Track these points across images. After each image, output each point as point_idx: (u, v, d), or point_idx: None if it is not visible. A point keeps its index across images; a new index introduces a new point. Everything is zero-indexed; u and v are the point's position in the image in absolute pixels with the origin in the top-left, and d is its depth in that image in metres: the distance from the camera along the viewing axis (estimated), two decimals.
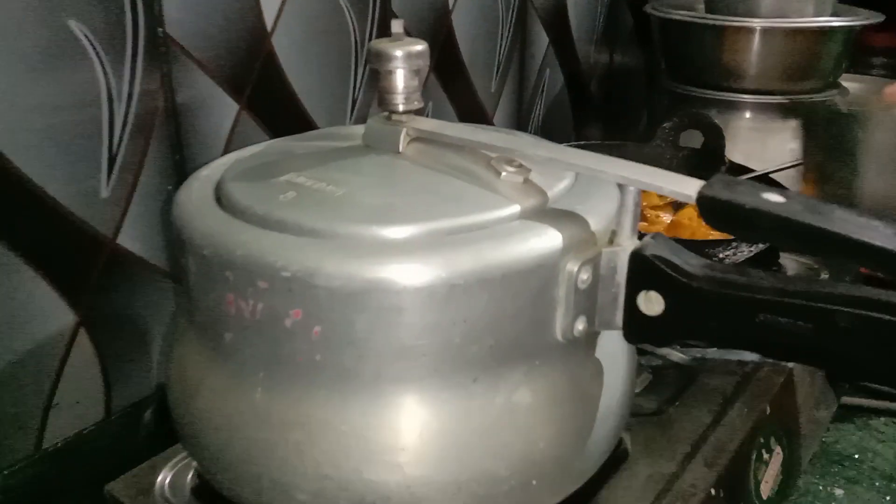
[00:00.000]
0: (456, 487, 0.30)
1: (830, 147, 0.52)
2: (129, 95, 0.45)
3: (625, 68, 0.98)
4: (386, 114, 0.37)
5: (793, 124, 0.79)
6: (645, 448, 0.44)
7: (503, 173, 0.33)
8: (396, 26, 0.35)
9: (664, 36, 0.89)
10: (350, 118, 0.60)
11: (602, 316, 0.32)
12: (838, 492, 0.57)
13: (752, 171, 0.66)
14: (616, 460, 0.43)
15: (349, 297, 0.28)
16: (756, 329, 0.29)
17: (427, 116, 0.67)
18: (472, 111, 0.74)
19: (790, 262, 0.64)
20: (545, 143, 0.35)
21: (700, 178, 0.30)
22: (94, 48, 0.43)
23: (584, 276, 0.31)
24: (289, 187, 0.33)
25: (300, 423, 0.31)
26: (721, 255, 0.55)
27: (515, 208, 0.31)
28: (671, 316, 0.30)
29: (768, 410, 0.49)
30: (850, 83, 0.83)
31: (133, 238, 0.47)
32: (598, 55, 0.93)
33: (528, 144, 0.34)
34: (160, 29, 0.46)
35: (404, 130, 0.36)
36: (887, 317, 0.26)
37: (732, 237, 0.55)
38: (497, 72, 0.76)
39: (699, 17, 0.82)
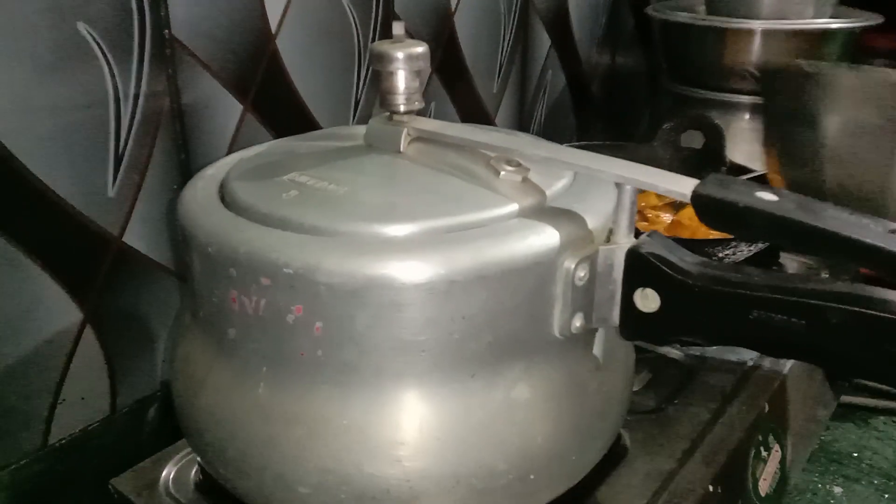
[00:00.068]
0: (454, 481, 0.31)
1: (793, 112, 0.51)
2: (136, 96, 0.46)
3: (626, 69, 0.99)
4: (387, 114, 0.37)
5: None
6: (644, 445, 0.45)
7: (502, 173, 0.34)
8: (398, 28, 0.36)
9: (665, 37, 0.89)
10: (353, 119, 0.61)
11: (599, 313, 0.32)
12: (837, 490, 0.57)
13: (753, 171, 0.67)
14: (615, 457, 0.43)
15: (350, 294, 0.29)
16: (750, 326, 0.29)
17: (429, 117, 0.68)
18: (474, 112, 0.75)
19: (790, 262, 0.64)
20: (544, 143, 0.36)
21: (701, 178, 0.30)
22: (102, 50, 0.44)
23: (582, 273, 0.31)
24: (291, 186, 0.33)
25: (302, 418, 0.31)
26: (721, 255, 0.56)
27: (514, 207, 0.32)
28: (667, 313, 0.31)
29: (767, 408, 0.49)
30: None
31: (139, 237, 0.48)
32: (600, 56, 0.94)
33: (527, 144, 0.35)
34: (166, 31, 0.47)
35: (405, 130, 0.37)
36: (878, 313, 0.26)
37: (732, 237, 0.55)
38: (499, 73, 0.77)
39: (700, 19, 0.83)
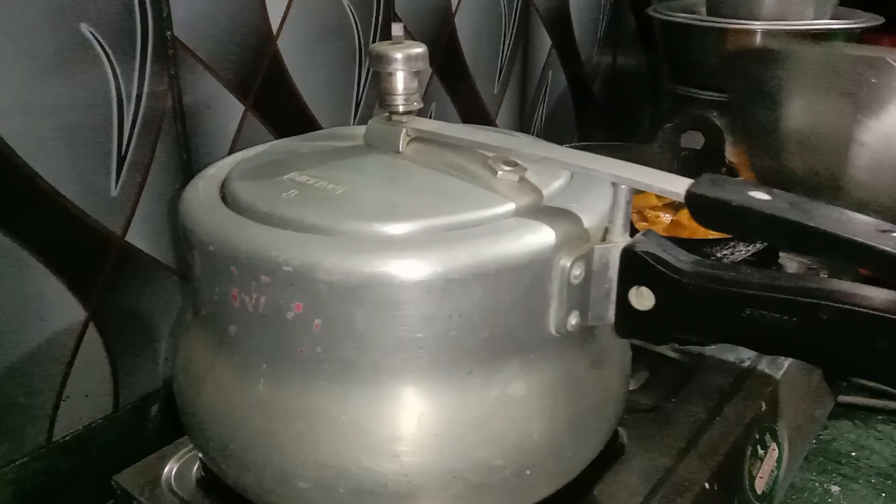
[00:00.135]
0: (451, 476, 0.31)
1: (753, 86, 0.51)
2: (138, 97, 0.47)
3: (627, 70, 0.99)
4: (386, 114, 0.38)
5: None
6: (641, 443, 0.45)
7: (499, 172, 0.34)
8: (396, 29, 0.36)
9: (666, 38, 0.90)
10: (354, 119, 0.61)
11: (595, 311, 0.33)
12: (834, 488, 0.57)
13: None
14: (613, 454, 0.44)
15: (348, 291, 0.29)
16: (743, 323, 0.29)
17: (430, 118, 0.68)
18: (475, 112, 0.75)
19: (790, 262, 0.65)
20: (541, 143, 0.36)
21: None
22: (105, 51, 0.44)
23: (577, 271, 0.32)
24: (291, 185, 0.34)
25: (301, 414, 0.32)
26: (719, 255, 0.56)
27: (510, 206, 0.32)
28: (661, 310, 0.31)
29: (764, 407, 0.50)
30: None
31: (141, 236, 0.48)
32: (601, 57, 0.94)
33: (525, 144, 0.35)
34: (168, 32, 0.47)
35: (404, 131, 0.37)
36: (868, 310, 0.27)
37: (730, 237, 0.56)
38: (500, 73, 0.77)
39: (701, 20, 0.83)
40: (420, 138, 0.37)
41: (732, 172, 0.67)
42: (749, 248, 0.57)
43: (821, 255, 0.29)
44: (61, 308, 0.46)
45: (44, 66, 0.42)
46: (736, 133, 0.54)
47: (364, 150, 0.39)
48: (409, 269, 0.29)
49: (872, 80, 0.42)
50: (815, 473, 0.59)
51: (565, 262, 0.31)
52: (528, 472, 0.33)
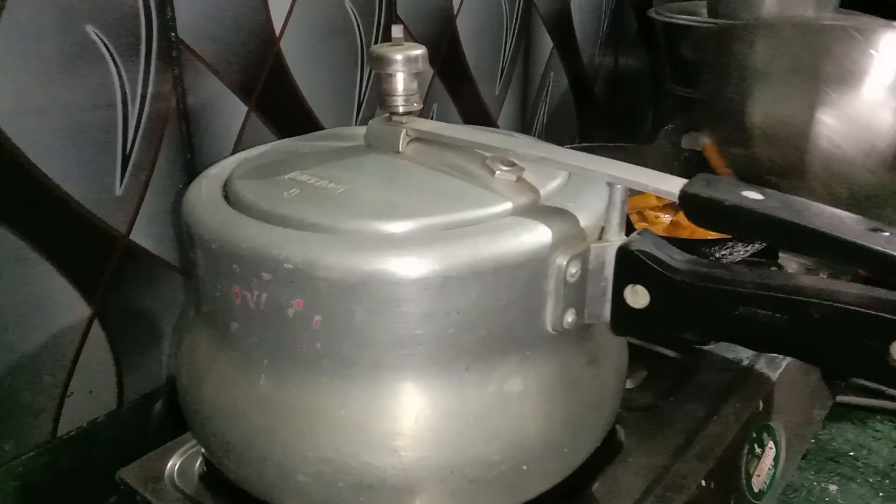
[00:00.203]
0: (449, 471, 0.32)
1: (721, 69, 0.51)
2: (143, 97, 0.47)
3: (629, 71, 1.00)
4: (387, 115, 0.38)
5: None
6: (639, 441, 0.45)
7: (497, 172, 0.35)
8: (396, 31, 0.37)
9: (668, 40, 0.90)
10: (356, 119, 0.62)
11: (591, 309, 0.33)
12: (832, 487, 0.58)
13: None
14: (610, 452, 0.44)
15: (348, 289, 0.30)
16: (736, 321, 0.30)
17: (432, 119, 0.69)
18: (476, 114, 0.76)
19: (790, 262, 0.65)
20: (538, 144, 0.37)
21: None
22: (110, 52, 0.45)
23: (573, 270, 0.32)
24: (293, 185, 0.34)
25: (302, 409, 0.32)
26: (717, 255, 0.57)
27: (508, 205, 0.33)
28: (656, 309, 0.32)
29: (761, 406, 0.50)
30: None
31: (145, 234, 0.49)
32: (603, 58, 0.94)
33: (522, 144, 0.36)
34: (173, 34, 0.48)
35: (404, 131, 0.38)
36: (858, 308, 0.27)
37: (729, 237, 0.56)
38: (501, 75, 0.78)
39: (702, 21, 0.83)
40: (420, 139, 0.38)
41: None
42: (748, 249, 0.57)
43: (812, 253, 0.30)
44: (66, 305, 0.46)
45: (50, 67, 0.42)
46: (709, 124, 0.54)
47: (364, 150, 0.39)
48: (408, 266, 0.30)
49: (833, 52, 0.42)
50: (813, 473, 0.59)
51: (562, 260, 0.32)
52: (524, 467, 0.33)
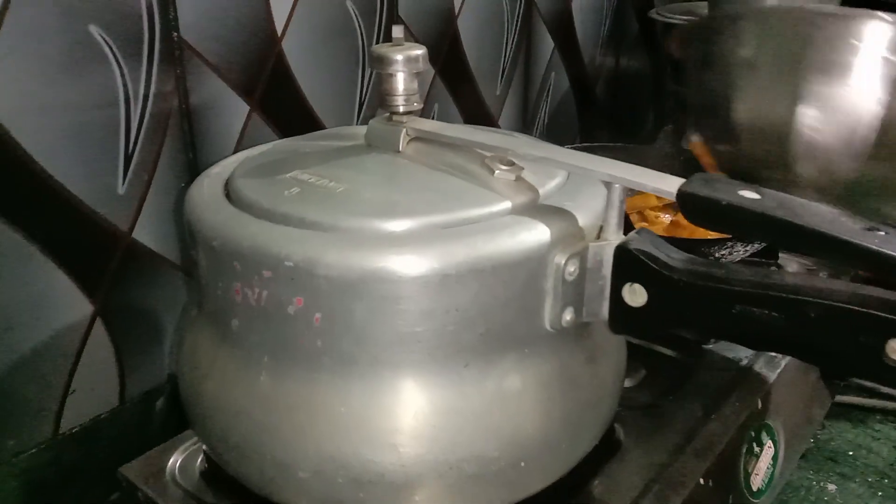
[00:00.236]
0: (448, 467, 0.32)
1: (706, 62, 0.50)
2: (145, 97, 0.47)
3: (630, 72, 1.00)
4: (387, 114, 0.39)
5: None
6: (638, 439, 0.46)
7: (496, 172, 0.35)
8: (397, 32, 0.37)
9: (669, 40, 0.90)
10: (357, 119, 0.62)
11: (589, 307, 0.34)
12: (831, 487, 0.58)
13: None
14: (609, 450, 0.44)
15: (348, 286, 0.30)
16: (732, 320, 0.30)
17: (433, 118, 0.69)
18: (477, 114, 0.76)
19: (790, 263, 0.65)
20: (537, 143, 0.37)
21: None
22: (113, 52, 0.45)
23: (571, 268, 0.32)
24: (293, 183, 0.35)
25: (302, 406, 0.33)
26: (717, 255, 0.57)
27: (507, 204, 0.33)
28: (653, 307, 0.32)
29: (760, 406, 0.50)
30: None
31: (148, 233, 0.49)
32: (604, 59, 0.95)
33: (521, 144, 0.36)
34: (175, 34, 0.48)
35: (404, 130, 0.38)
36: (853, 307, 0.27)
37: (728, 237, 0.56)
38: (502, 75, 0.78)
39: None
40: (420, 138, 0.38)
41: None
42: (747, 248, 0.57)
43: (808, 252, 0.30)
44: (69, 303, 0.47)
45: (54, 66, 0.43)
46: (695, 120, 0.54)
47: (365, 149, 0.39)
48: (408, 264, 0.30)
49: (816, 41, 0.42)
50: (811, 472, 0.60)
51: (560, 259, 0.32)
52: (523, 464, 0.33)
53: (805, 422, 0.58)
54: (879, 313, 0.27)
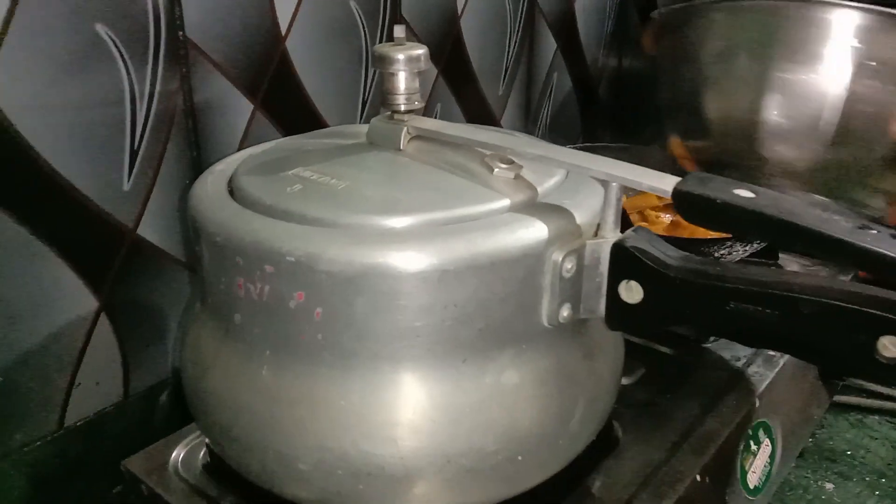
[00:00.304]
0: (445, 460, 0.32)
1: (678, 56, 0.51)
2: (151, 95, 0.48)
3: (633, 72, 1.00)
4: (389, 113, 0.39)
5: None
6: (635, 436, 0.46)
7: (496, 170, 0.35)
8: (399, 31, 0.38)
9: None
10: (360, 118, 0.63)
11: (586, 304, 0.34)
12: (828, 486, 0.58)
13: None
14: (607, 447, 0.45)
15: (348, 281, 0.31)
16: (727, 316, 0.31)
17: (435, 118, 0.69)
18: (480, 113, 0.76)
19: (791, 263, 0.65)
20: (536, 142, 0.38)
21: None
22: (119, 51, 0.46)
23: (569, 265, 0.33)
24: (296, 180, 0.35)
25: (303, 399, 0.33)
26: (717, 254, 0.57)
27: (506, 202, 0.34)
28: (649, 304, 0.32)
29: (758, 404, 0.51)
30: None
31: (152, 229, 0.50)
32: (607, 60, 0.95)
33: (521, 143, 0.37)
34: (180, 33, 0.49)
35: (405, 129, 0.38)
36: (846, 304, 0.28)
37: (728, 236, 0.56)
38: (505, 75, 0.78)
39: None
40: (420, 136, 0.39)
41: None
42: (747, 248, 0.58)
43: (802, 250, 0.30)
44: (74, 298, 0.47)
45: (61, 65, 0.43)
46: (670, 118, 0.55)
47: (367, 147, 0.40)
48: (407, 260, 0.31)
49: (785, 30, 0.42)
50: (809, 471, 0.60)
51: (557, 256, 0.32)
52: (520, 458, 0.34)
53: (803, 421, 0.58)
54: (871, 310, 0.27)
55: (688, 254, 0.32)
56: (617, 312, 0.33)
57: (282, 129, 0.57)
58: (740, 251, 0.57)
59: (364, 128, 0.41)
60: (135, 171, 0.48)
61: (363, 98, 0.62)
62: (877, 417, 0.66)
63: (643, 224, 0.67)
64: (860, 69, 0.40)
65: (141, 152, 0.48)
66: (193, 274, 0.53)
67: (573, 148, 0.37)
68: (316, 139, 0.43)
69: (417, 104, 0.38)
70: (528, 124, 0.85)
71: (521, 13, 0.78)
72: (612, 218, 0.33)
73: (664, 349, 0.55)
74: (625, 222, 0.34)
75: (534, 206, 0.34)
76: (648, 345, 0.56)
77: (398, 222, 0.32)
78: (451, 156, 0.37)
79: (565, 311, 0.34)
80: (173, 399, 0.54)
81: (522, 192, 0.35)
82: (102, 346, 0.49)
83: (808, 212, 0.29)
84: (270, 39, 0.54)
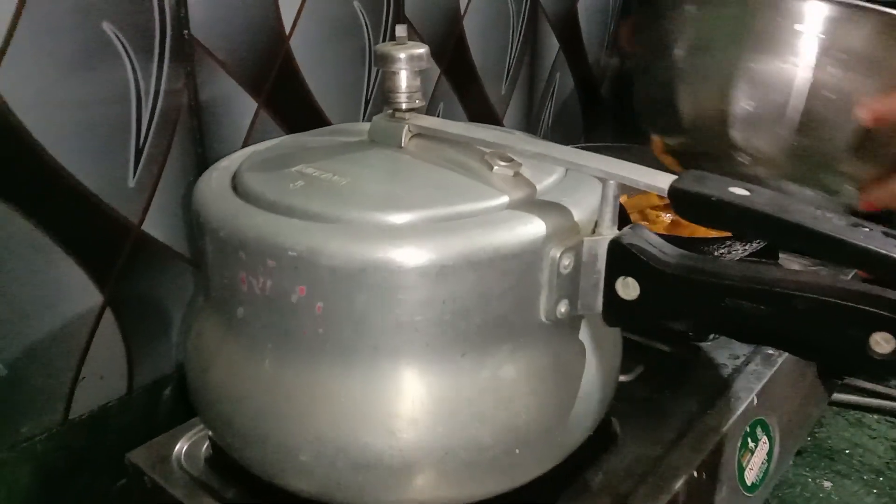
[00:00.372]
0: (443, 452, 0.33)
1: (653, 51, 0.51)
2: (156, 93, 0.48)
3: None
4: (390, 111, 0.40)
5: None
6: (634, 433, 0.47)
7: (495, 167, 0.36)
8: (400, 31, 0.38)
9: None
10: (363, 116, 0.63)
11: (584, 300, 0.34)
12: (826, 484, 0.59)
13: None
14: (605, 443, 0.45)
15: (349, 276, 0.31)
16: (722, 313, 0.31)
17: (438, 117, 0.70)
18: (482, 113, 0.77)
19: (791, 263, 0.66)
20: (535, 141, 0.38)
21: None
22: (125, 49, 0.46)
23: (566, 262, 0.33)
24: (298, 177, 0.36)
25: (304, 391, 0.34)
26: (716, 253, 0.57)
27: (505, 199, 0.34)
28: (646, 300, 0.33)
29: (756, 402, 0.51)
30: None
31: (157, 225, 0.50)
32: (609, 60, 0.95)
33: (520, 141, 0.37)
34: (186, 31, 0.49)
35: (406, 127, 0.39)
36: (839, 301, 0.28)
37: (728, 236, 0.57)
38: (507, 75, 0.79)
39: None
40: (421, 134, 0.39)
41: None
42: (746, 248, 0.58)
43: (795, 247, 0.31)
44: (80, 293, 0.48)
45: (68, 63, 0.44)
46: (647, 118, 0.55)
47: (368, 145, 0.40)
48: (407, 255, 0.31)
49: (756, 19, 0.43)
50: (807, 469, 0.60)
51: (555, 252, 0.33)
52: (517, 451, 0.34)
53: (801, 419, 0.58)
54: (864, 307, 0.28)
55: (684, 251, 0.33)
56: (614, 308, 0.34)
57: (285, 126, 0.57)
58: (740, 250, 0.58)
59: (366, 126, 0.42)
60: (140, 167, 0.49)
61: (366, 97, 0.63)
62: (875, 416, 0.66)
63: (643, 223, 0.68)
64: (825, 58, 0.41)
65: (146, 149, 0.49)
66: (197, 269, 0.53)
67: (576, 147, 0.38)
68: (319, 137, 0.43)
69: (419, 102, 0.39)
70: (530, 124, 0.85)
71: (524, 13, 0.78)
72: (609, 215, 0.34)
73: (663, 347, 0.56)
74: (624, 220, 0.34)
75: (532, 204, 0.35)
76: (647, 343, 0.56)
77: (398, 218, 0.32)
78: (451, 153, 0.38)
79: (563, 307, 0.34)
80: (177, 394, 0.54)
81: (521, 190, 0.35)
82: (107, 341, 0.50)
83: (801, 209, 0.29)
84: (274, 38, 0.54)
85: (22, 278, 0.45)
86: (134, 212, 0.49)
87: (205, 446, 0.45)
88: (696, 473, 0.44)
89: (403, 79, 0.38)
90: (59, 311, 0.47)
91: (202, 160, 0.52)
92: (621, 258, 0.33)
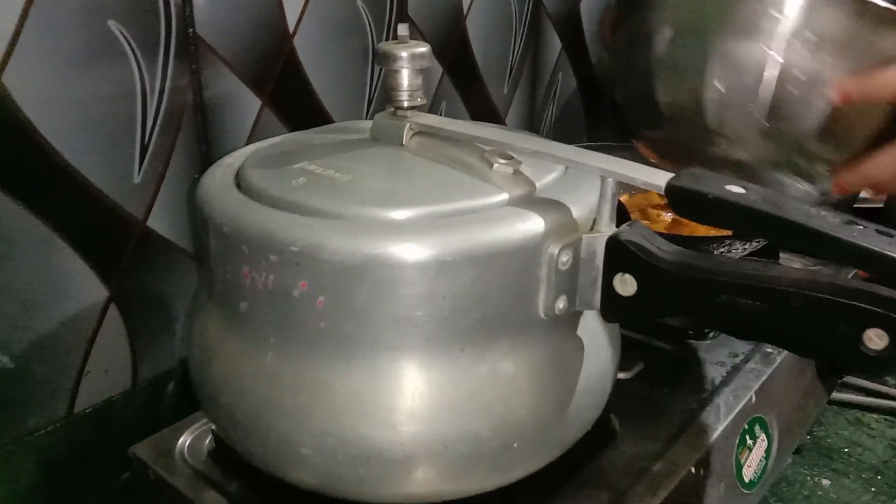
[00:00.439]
0: (443, 445, 0.33)
1: (631, 42, 0.51)
2: (161, 91, 0.49)
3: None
4: (392, 109, 0.40)
5: None
6: (632, 429, 0.47)
7: (495, 165, 0.36)
8: (402, 30, 0.39)
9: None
10: (366, 115, 0.64)
11: (582, 296, 0.35)
12: (825, 482, 0.59)
13: None
14: (603, 439, 0.46)
15: (350, 271, 0.32)
16: (719, 309, 0.31)
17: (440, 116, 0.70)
18: (484, 112, 0.77)
19: (793, 263, 0.66)
20: (535, 139, 0.38)
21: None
22: (131, 47, 0.47)
23: (565, 258, 0.34)
24: (301, 173, 0.36)
25: (305, 385, 0.34)
26: (716, 252, 0.58)
27: (504, 196, 0.34)
28: (643, 296, 0.33)
29: (754, 399, 0.51)
30: None
31: (161, 221, 0.51)
32: (604, 57, 0.96)
33: (519, 139, 0.37)
34: (191, 30, 0.50)
35: (408, 125, 0.39)
36: (833, 298, 0.28)
37: (728, 234, 0.57)
38: (510, 74, 0.79)
39: None
40: (423, 132, 0.40)
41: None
42: (746, 247, 0.58)
43: (790, 244, 0.31)
44: (85, 287, 0.48)
45: (74, 60, 0.44)
46: (630, 114, 0.56)
47: (370, 142, 0.41)
48: (407, 251, 0.31)
49: (733, 6, 0.43)
50: (806, 467, 0.61)
51: (554, 249, 0.33)
52: (515, 445, 0.35)
53: (800, 417, 0.59)
54: (857, 304, 0.28)
55: (681, 248, 0.33)
56: (612, 305, 0.34)
57: (289, 124, 0.57)
58: (740, 249, 0.58)
59: (368, 124, 0.42)
60: (145, 164, 0.49)
61: (369, 95, 0.63)
62: (874, 415, 0.66)
63: (644, 222, 0.68)
64: (796, 40, 0.41)
65: (151, 146, 0.49)
66: (201, 265, 0.54)
67: (577, 147, 0.38)
68: (321, 134, 0.44)
69: (420, 101, 0.39)
70: (532, 123, 0.86)
71: (527, 13, 0.78)
72: (607, 213, 0.34)
73: (662, 345, 0.56)
74: (623, 218, 0.35)
75: (531, 201, 0.35)
76: (646, 340, 0.56)
77: (399, 214, 0.33)
78: (452, 151, 0.38)
79: (561, 303, 0.35)
80: (180, 388, 0.55)
81: (521, 187, 0.35)
82: (112, 335, 0.50)
83: (795, 207, 0.29)
84: (278, 37, 0.55)
85: (27, 273, 0.45)
86: (139, 208, 0.50)
87: (208, 440, 0.46)
88: (693, 470, 0.44)
89: (405, 77, 0.38)
90: (64, 306, 0.48)
91: (206, 157, 0.52)
92: (619, 255, 0.33)
